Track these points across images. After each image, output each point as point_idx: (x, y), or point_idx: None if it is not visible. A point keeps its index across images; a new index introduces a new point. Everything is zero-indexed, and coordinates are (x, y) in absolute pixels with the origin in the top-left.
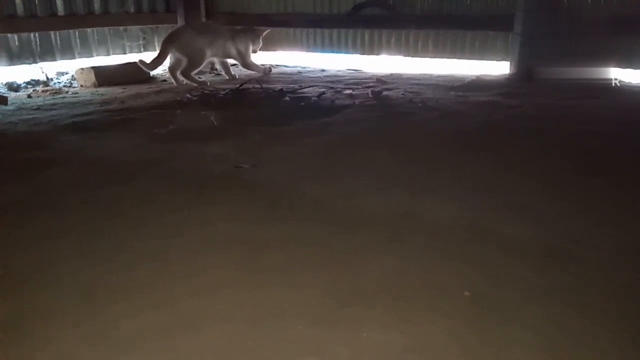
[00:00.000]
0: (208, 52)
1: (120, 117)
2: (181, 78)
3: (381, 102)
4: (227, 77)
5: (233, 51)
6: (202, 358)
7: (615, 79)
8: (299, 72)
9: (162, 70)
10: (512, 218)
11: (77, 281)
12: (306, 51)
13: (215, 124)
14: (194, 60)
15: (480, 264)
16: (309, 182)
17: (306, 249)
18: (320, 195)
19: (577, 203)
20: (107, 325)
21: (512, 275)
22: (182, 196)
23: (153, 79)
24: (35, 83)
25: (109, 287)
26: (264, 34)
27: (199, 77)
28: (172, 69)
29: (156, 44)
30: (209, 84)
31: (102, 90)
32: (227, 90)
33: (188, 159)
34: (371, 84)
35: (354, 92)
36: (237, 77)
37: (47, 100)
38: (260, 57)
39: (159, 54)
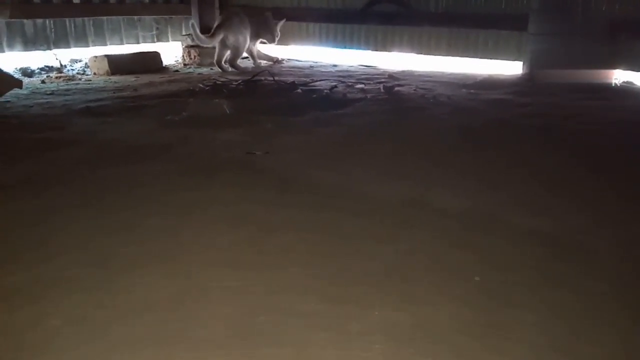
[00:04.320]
0: (248, 42)
1: (133, 103)
2: (226, 66)
3: (393, 97)
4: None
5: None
6: (214, 328)
7: (619, 80)
8: (311, 67)
9: (174, 60)
10: (520, 210)
11: (89, 251)
12: (319, 46)
13: (228, 112)
14: (239, 48)
15: (487, 251)
16: (320, 169)
17: (316, 232)
18: (331, 182)
19: (582, 198)
20: (118, 292)
21: (518, 262)
22: (194, 178)
23: (166, 68)
24: (49, 69)
25: (121, 258)
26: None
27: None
28: (218, 60)
29: (169, 35)
30: (250, 69)
31: (115, 78)
32: (239, 81)
33: (200, 145)
34: (383, 80)
35: (366, 87)
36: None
37: (61, 86)
38: (273, 50)
39: (213, 34)
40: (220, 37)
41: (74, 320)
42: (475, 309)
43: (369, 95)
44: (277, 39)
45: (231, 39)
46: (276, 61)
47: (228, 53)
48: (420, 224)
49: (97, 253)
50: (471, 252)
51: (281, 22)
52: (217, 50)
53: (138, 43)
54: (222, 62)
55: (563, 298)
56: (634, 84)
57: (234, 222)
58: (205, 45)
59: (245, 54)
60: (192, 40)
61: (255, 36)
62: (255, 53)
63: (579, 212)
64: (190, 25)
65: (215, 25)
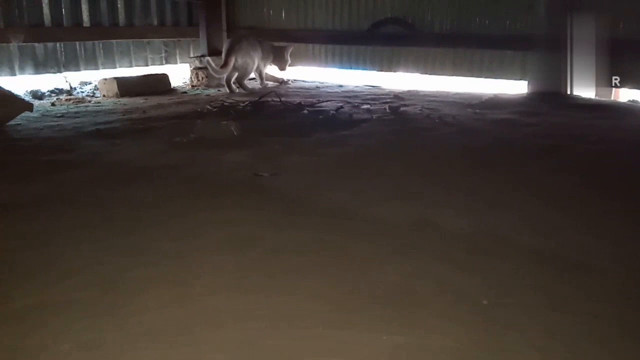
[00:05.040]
0: (256, 64)
1: (142, 125)
2: (235, 86)
3: (398, 117)
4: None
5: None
6: (222, 353)
7: (624, 98)
8: (317, 87)
9: (182, 82)
10: (527, 231)
11: (97, 274)
12: (324, 67)
13: (235, 134)
14: (247, 69)
15: (493, 273)
16: (326, 190)
17: (324, 254)
18: (337, 203)
19: (589, 219)
20: (127, 317)
21: (524, 284)
22: (202, 200)
23: (174, 90)
24: (59, 92)
25: (130, 281)
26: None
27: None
28: (227, 79)
29: (177, 57)
30: (257, 90)
31: (124, 100)
32: (246, 103)
33: (208, 166)
34: (389, 100)
35: (372, 107)
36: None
37: (71, 108)
38: (279, 73)
39: (225, 63)
40: (232, 63)
41: (84, 344)
42: (482, 332)
43: (374, 116)
44: (287, 67)
45: (239, 61)
46: (282, 82)
47: (237, 74)
48: (427, 245)
49: (105, 276)
50: (478, 275)
51: (290, 49)
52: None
53: (147, 65)
54: (231, 82)
55: (569, 321)
56: (639, 102)
57: (242, 244)
58: (220, 76)
59: (252, 75)
60: (200, 62)
61: (266, 61)
62: (263, 75)
63: (585, 233)
64: (205, 61)
65: (225, 52)
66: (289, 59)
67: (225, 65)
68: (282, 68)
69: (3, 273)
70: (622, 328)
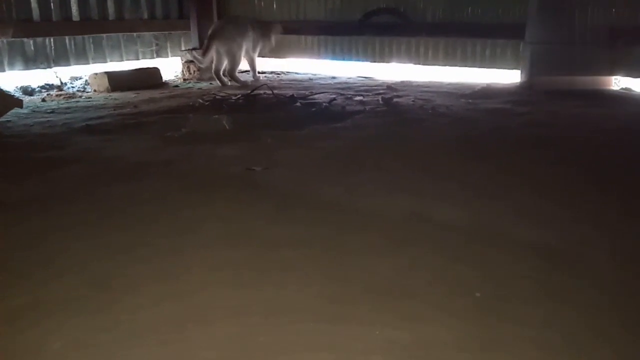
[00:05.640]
0: (244, 49)
1: (134, 120)
2: (226, 79)
3: (392, 108)
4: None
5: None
6: (215, 349)
7: (617, 86)
8: (310, 79)
9: (174, 75)
10: (520, 222)
11: (92, 272)
12: (317, 58)
13: (228, 127)
14: (234, 56)
15: (487, 264)
16: (320, 184)
17: (318, 248)
18: (331, 197)
19: (583, 209)
20: (120, 314)
21: (519, 276)
22: (195, 195)
23: (165, 84)
24: (49, 87)
25: (124, 279)
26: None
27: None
28: (216, 71)
29: (169, 50)
30: (249, 83)
31: (115, 95)
32: (238, 96)
33: (201, 161)
34: (382, 91)
35: (365, 99)
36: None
37: (61, 104)
38: (271, 64)
39: (205, 50)
40: (213, 49)
41: (76, 343)
42: (476, 324)
43: (367, 107)
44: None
45: (223, 48)
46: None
47: (226, 63)
48: (421, 238)
49: (100, 274)
50: (472, 266)
51: (278, 29)
52: (214, 59)
53: (138, 59)
54: (221, 73)
55: (564, 312)
56: (632, 90)
57: (235, 240)
58: (205, 65)
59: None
60: (192, 55)
61: (257, 45)
62: (255, 63)
63: (579, 224)
64: (192, 55)
65: (207, 38)
66: (273, 42)
67: (206, 51)
68: (267, 48)
69: None
70: (620, 319)
